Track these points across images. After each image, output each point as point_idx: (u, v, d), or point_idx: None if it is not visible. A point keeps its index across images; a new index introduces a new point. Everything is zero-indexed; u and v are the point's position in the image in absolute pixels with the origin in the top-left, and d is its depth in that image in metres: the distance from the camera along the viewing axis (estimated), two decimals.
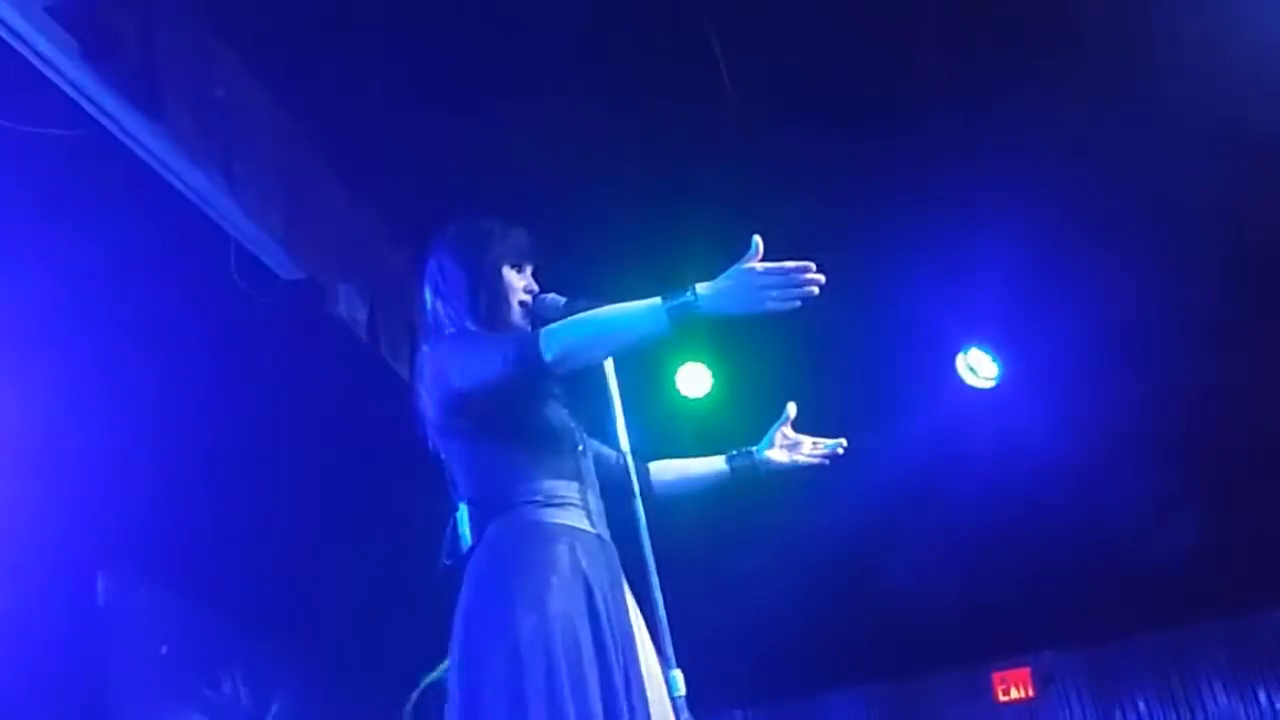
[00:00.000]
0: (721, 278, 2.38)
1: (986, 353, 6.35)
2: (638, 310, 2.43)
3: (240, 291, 4.35)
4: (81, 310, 4.25)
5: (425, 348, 2.73)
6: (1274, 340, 5.97)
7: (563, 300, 2.69)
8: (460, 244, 2.82)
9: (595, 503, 2.67)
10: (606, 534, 2.65)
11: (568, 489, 2.61)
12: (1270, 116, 4.74)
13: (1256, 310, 5.89)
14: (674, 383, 6.45)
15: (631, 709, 2.41)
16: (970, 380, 6.38)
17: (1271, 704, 7.36)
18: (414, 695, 4.92)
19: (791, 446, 3.05)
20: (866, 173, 5.15)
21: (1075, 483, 6.52)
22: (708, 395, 6.47)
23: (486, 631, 2.44)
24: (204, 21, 4.00)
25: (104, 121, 3.57)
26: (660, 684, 2.48)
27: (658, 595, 2.45)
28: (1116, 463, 6.40)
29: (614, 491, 2.71)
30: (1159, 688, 7.58)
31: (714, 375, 6.46)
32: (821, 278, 2.35)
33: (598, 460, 2.79)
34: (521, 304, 2.74)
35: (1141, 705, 7.58)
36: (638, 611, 2.60)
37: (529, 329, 2.67)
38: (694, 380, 6.46)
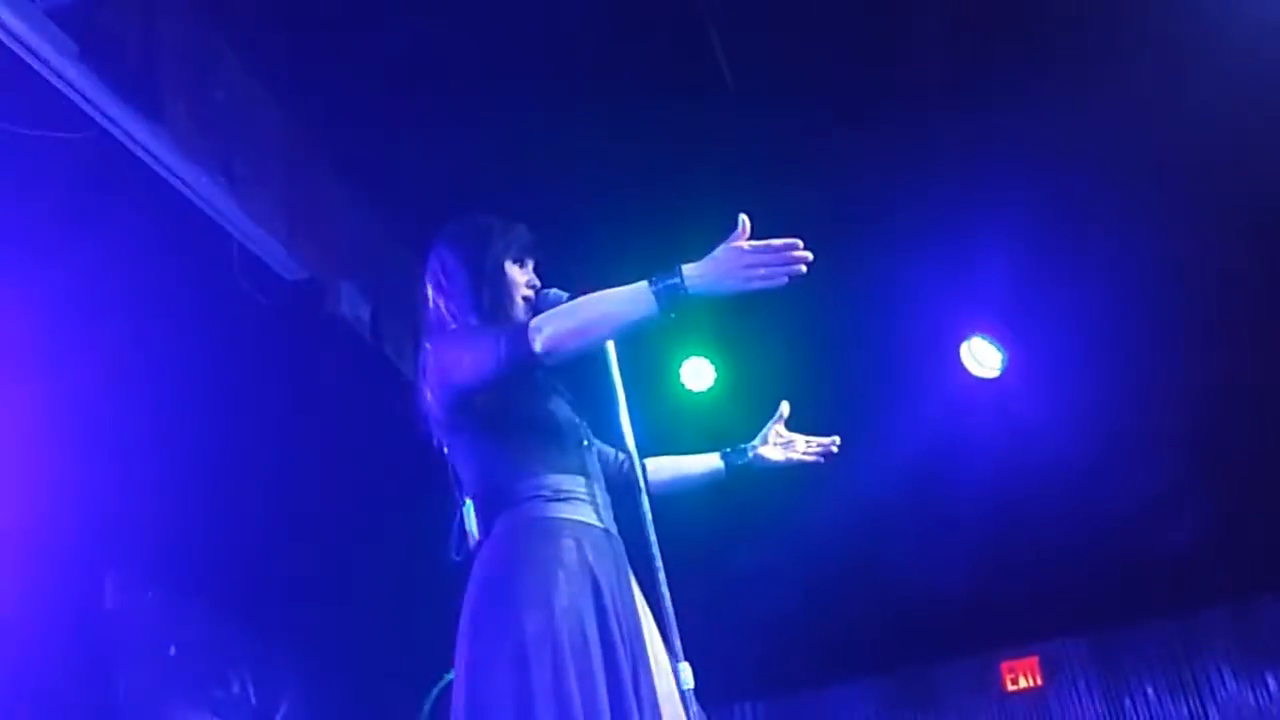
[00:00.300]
0: (708, 257, 2.38)
1: (990, 342, 6.34)
2: (624, 294, 2.43)
3: (243, 292, 4.35)
4: (85, 313, 4.25)
5: (428, 345, 2.73)
6: None
7: (565, 295, 2.70)
8: (461, 241, 2.82)
9: (602, 497, 2.67)
10: (614, 528, 2.65)
11: (574, 483, 2.62)
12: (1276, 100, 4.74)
13: (1263, 299, 5.87)
14: (678, 376, 6.45)
15: (639, 704, 2.41)
16: (975, 370, 6.38)
17: None
18: (434, 693, 4.93)
19: (786, 444, 3.08)
20: (868, 164, 5.14)
21: (1082, 470, 6.51)
22: (711, 389, 6.47)
23: (494, 628, 2.44)
24: (204, 22, 4.00)
25: (105, 124, 3.57)
26: (669, 678, 2.48)
27: (664, 589, 2.45)
28: (1123, 450, 6.39)
29: (615, 489, 2.71)
30: (1168, 675, 7.58)
31: (717, 369, 6.46)
32: (809, 255, 2.35)
33: (599, 458, 2.79)
34: (525, 299, 2.75)
35: (1150, 692, 7.58)
36: (645, 605, 2.60)
37: None
38: (698, 374, 6.47)
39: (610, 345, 2.64)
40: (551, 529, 2.53)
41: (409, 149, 4.78)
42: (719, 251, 2.38)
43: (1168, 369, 6.12)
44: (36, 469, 4.26)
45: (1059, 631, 7.73)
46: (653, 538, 2.50)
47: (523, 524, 2.54)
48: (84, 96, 3.45)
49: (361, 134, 4.71)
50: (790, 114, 4.86)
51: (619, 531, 2.67)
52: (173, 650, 5.40)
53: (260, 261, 4.34)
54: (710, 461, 3.10)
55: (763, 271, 2.35)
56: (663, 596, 2.44)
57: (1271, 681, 7.40)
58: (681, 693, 2.42)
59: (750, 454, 3.07)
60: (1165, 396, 6.27)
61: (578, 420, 2.73)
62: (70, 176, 3.83)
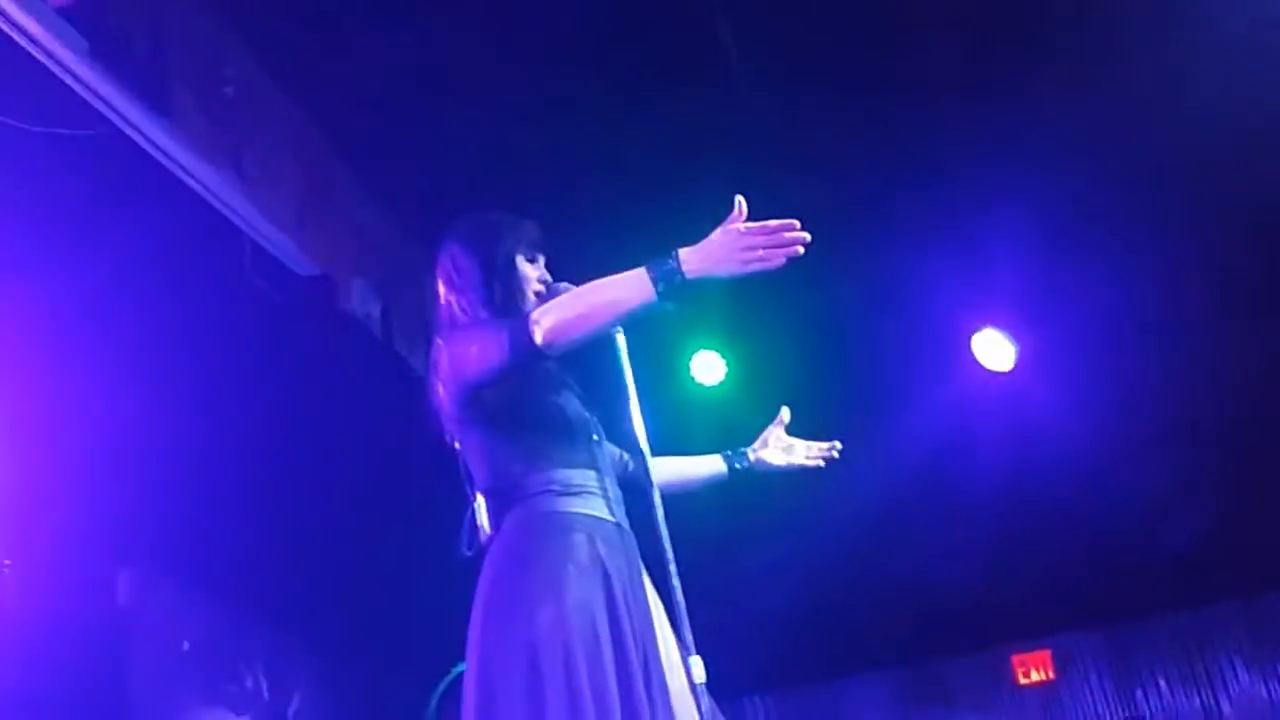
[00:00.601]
0: (704, 241, 2.37)
1: (1002, 335, 6.33)
2: (622, 280, 2.42)
3: (255, 288, 4.36)
4: (96, 309, 4.26)
5: (439, 340, 2.73)
6: None
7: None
8: (471, 237, 2.82)
9: (613, 491, 2.66)
10: (625, 522, 2.65)
11: (584, 478, 2.61)
12: None
13: (1274, 294, 5.86)
14: (688, 370, 6.45)
15: (650, 699, 2.40)
16: (986, 363, 6.37)
17: None
18: (441, 685, 4.94)
19: (786, 449, 3.08)
20: (877, 155, 5.13)
21: (1093, 463, 6.51)
22: (722, 383, 6.47)
23: (504, 622, 2.44)
24: (213, 18, 4.01)
25: (116, 121, 3.57)
26: (681, 672, 2.47)
27: (676, 582, 2.44)
28: (1134, 443, 6.38)
29: (622, 489, 2.71)
30: (1180, 668, 7.57)
31: (728, 362, 6.46)
32: (806, 235, 2.34)
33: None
34: (537, 294, 2.74)
35: (1163, 685, 7.57)
36: (657, 599, 2.59)
37: None
38: (708, 368, 6.47)
39: (621, 339, 2.63)
40: (563, 523, 2.53)
41: (419, 144, 4.78)
42: (715, 234, 2.36)
43: (1180, 362, 6.11)
44: (48, 466, 4.28)
45: (1071, 625, 7.73)
46: (664, 532, 2.49)
47: (534, 519, 2.54)
48: (95, 94, 3.46)
49: (372, 130, 4.71)
50: (800, 105, 4.85)
51: (630, 527, 2.67)
52: (186, 646, 5.42)
53: (272, 257, 4.35)
54: (713, 464, 3.10)
55: (760, 253, 2.33)
56: (674, 590, 2.44)
57: None
58: (693, 687, 2.42)
59: (751, 458, 3.09)
60: (1176, 390, 6.26)
61: (588, 415, 2.73)
62: (82, 174, 3.84)
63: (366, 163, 4.87)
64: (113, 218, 4.04)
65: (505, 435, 2.62)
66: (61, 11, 3.25)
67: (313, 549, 5.59)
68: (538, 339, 2.44)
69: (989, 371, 6.37)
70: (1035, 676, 7.83)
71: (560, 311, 2.47)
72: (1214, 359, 6.04)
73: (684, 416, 5.94)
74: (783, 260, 2.34)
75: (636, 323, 2.51)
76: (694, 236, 2.40)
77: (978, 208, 5.37)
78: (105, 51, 3.38)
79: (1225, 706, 7.40)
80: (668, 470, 2.99)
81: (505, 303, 2.71)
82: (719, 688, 2.46)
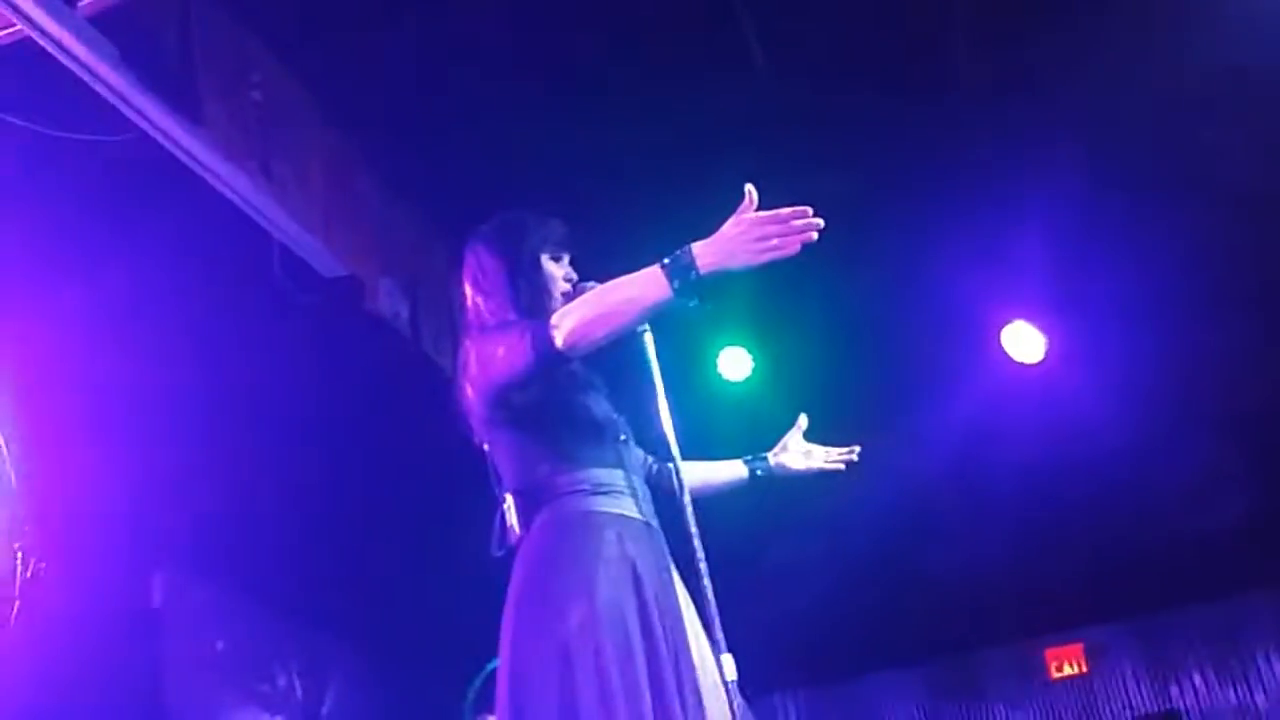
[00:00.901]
0: (716, 234, 2.36)
1: (1031, 327, 6.30)
2: (638, 278, 2.42)
3: (283, 290, 4.39)
4: (126, 313, 4.31)
5: (466, 342, 2.74)
6: None
7: None
8: (497, 237, 2.82)
9: (641, 489, 2.67)
10: (654, 521, 2.65)
11: (613, 477, 2.62)
12: None
13: None
14: (715, 366, 6.45)
15: (681, 697, 2.40)
16: (1015, 355, 6.34)
17: None
18: (477, 682, 4.96)
19: (806, 453, 3.11)
20: (901, 148, 5.11)
21: (1124, 455, 6.46)
22: (749, 378, 6.47)
23: (536, 622, 2.45)
24: (240, 24, 4.04)
25: (145, 126, 3.61)
26: (712, 669, 2.47)
27: (706, 581, 2.44)
28: (1165, 434, 6.33)
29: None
30: (1215, 659, 7.51)
31: (755, 358, 6.45)
32: (820, 221, 2.32)
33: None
34: (564, 294, 2.74)
35: (1197, 677, 7.51)
36: (687, 597, 2.60)
37: None
38: (735, 363, 6.47)
39: (649, 338, 2.63)
40: (592, 523, 2.53)
41: (445, 145, 4.80)
42: (727, 226, 2.35)
43: (1210, 351, 6.05)
44: (83, 469, 4.32)
45: (1103, 617, 7.67)
46: (694, 529, 2.49)
47: (563, 518, 2.55)
48: (124, 100, 3.50)
49: (398, 131, 4.73)
50: (823, 95, 4.84)
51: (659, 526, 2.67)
52: (220, 646, 5.47)
53: (300, 259, 4.38)
54: (734, 469, 3.13)
55: (774, 242, 2.32)
56: (705, 589, 2.44)
57: None
58: (725, 684, 2.42)
59: (771, 462, 3.13)
60: (1208, 379, 6.21)
61: (615, 415, 2.73)
62: (112, 179, 3.89)
63: (393, 164, 4.89)
64: (143, 222, 4.08)
65: (533, 436, 2.62)
66: (92, 20, 3.29)
67: (344, 549, 5.63)
68: (559, 342, 2.44)
69: (1018, 364, 6.34)
70: (1068, 670, 7.78)
71: (580, 313, 2.47)
72: (1245, 348, 5.99)
73: (711, 413, 5.92)
74: (797, 248, 2.32)
75: (663, 320, 2.51)
76: (716, 228, 2.39)
77: (1006, 199, 5.35)
78: (135, 59, 3.42)
79: (1260, 700, 7.34)
80: (691, 476, 3.00)
81: (531, 303, 2.71)
82: (750, 685, 2.45)
